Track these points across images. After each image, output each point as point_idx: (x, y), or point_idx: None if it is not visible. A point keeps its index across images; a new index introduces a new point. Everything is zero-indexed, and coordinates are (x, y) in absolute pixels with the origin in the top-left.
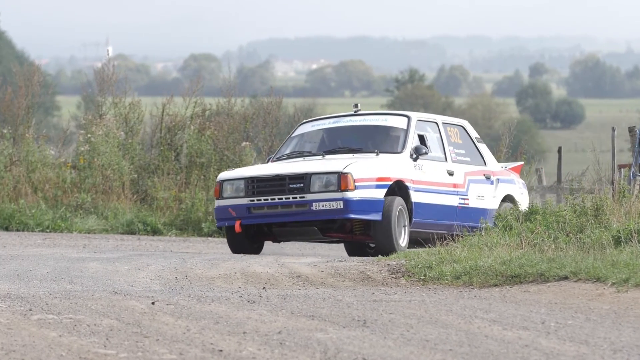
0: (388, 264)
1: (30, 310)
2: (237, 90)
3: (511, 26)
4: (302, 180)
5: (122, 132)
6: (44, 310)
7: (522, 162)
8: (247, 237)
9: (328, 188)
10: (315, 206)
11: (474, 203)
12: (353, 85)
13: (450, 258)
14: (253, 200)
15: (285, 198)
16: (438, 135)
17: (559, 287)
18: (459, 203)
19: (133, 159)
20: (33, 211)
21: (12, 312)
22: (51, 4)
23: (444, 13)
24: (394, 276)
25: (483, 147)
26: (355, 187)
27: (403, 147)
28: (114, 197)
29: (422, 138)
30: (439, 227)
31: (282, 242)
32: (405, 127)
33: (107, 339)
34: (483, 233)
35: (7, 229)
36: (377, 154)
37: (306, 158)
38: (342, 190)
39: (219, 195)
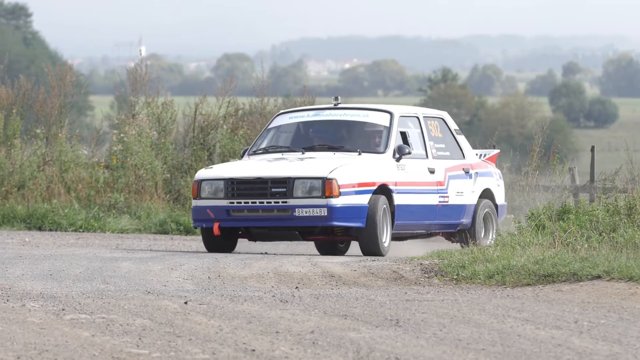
0: (421, 264)
1: (63, 310)
2: (270, 89)
3: (544, 25)
4: (285, 185)
5: (154, 132)
6: (76, 310)
7: (498, 151)
8: (223, 235)
9: (312, 194)
10: (298, 212)
11: (453, 200)
12: (386, 84)
13: (483, 257)
14: (233, 203)
15: (267, 202)
16: (419, 130)
17: (592, 286)
18: (439, 201)
19: (166, 158)
20: (66, 211)
21: (45, 312)
22: (84, 4)
23: (477, 12)
24: (426, 275)
25: (462, 139)
26: (340, 194)
27: (386, 147)
28: (147, 197)
29: (404, 135)
30: (419, 227)
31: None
32: (387, 125)
33: (139, 338)
34: (516, 233)
35: (40, 228)
36: (360, 154)
37: (284, 154)
38: (326, 197)
39: (197, 195)
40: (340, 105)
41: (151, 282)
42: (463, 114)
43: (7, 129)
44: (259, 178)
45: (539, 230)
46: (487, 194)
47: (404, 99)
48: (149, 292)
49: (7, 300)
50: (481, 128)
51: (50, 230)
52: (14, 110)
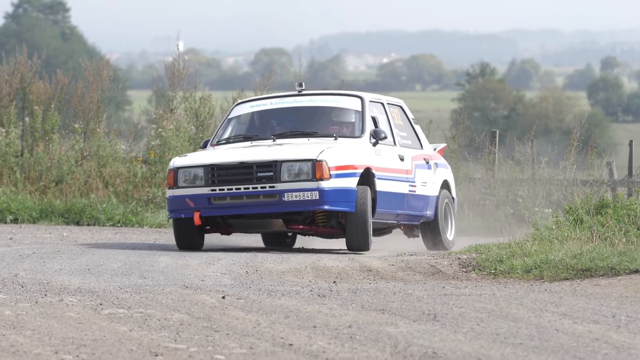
0: (459, 258)
1: (101, 304)
2: (308, 84)
3: (583, 19)
4: (272, 168)
5: (192, 127)
6: (114, 305)
7: (445, 145)
8: (197, 229)
9: (300, 177)
10: (288, 197)
11: (419, 190)
12: (424, 79)
13: (520, 252)
14: (215, 190)
15: (253, 188)
16: (385, 116)
17: (630, 280)
18: (409, 190)
19: None
20: (104, 206)
21: (82, 307)
22: None
23: (515, 6)
24: (464, 270)
25: (419, 129)
26: (330, 176)
27: (362, 131)
28: None
29: (374, 120)
30: (393, 216)
31: (232, 234)
32: (359, 109)
33: (177, 333)
34: (554, 227)
35: (78, 223)
36: (336, 139)
37: (254, 142)
38: (317, 180)
39: (174, 184)
40: (304, 92)
41: (189, 277)
42: (501, 108)
43: (45, 123)
44: (242, 163)
45: (576, 224)
46: (445, 186)
47: (442, 94)
48: (186, 287)
49: (45, 294)
50: (519, 122)
51: (88, 224)
52: (52, 105)
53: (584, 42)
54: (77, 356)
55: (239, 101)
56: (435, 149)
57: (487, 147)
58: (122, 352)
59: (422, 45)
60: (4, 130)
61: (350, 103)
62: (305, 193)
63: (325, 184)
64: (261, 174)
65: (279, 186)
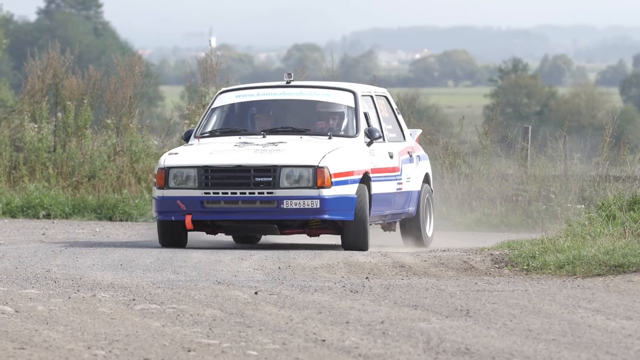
0: (491, 254)
1: (134, 300)
2: (340, 80)
3: (615, 15)
4: (270, 174)
5: None
6: (147, 300)
7: (421, 130)
8: (176, 229)
9: (301, 184)
10: (287, 204)
11: (405, 186)
12: (456, 74)
13: (553, 248)
14: (209, 193)
15: (250, 193)
16: (374, 111)
17: None
18: (396, 189)
19: None
20: (137, 201)
21: (115, 302)
22: None
23: (547, 2)
24: (497, 266)
25: (401, 119)
26: (332, 184)
27: (356, 130)
28: None
29: (366, 117)
30: (381, 217)
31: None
32: (352, 105)
33: (210, 328)
34: (586, 223)
35: (110, 219)
36: (330, 138)
37: (242, 137)
38: (318, 187)
39: (164, 184)
40: (293, 83)
41: (221, 273)
42: (533, 104)
43: (78, 119)
44: (240, 166)
45: (609, 220)
46: (426, 179)
47: (474, 89)
48: (219, 283)
49: (78, 290)
50: (551, 118)
51: (121, 220)
52: (84, 101)
53: (617, 38)
54: (110, 352)
55: (223, 89)
56: (410, 134)
57: (519, 143)
58: (154, 347)
59: (453, 41)
60: (36, 125)
61: (341, 98)
62: (306, 201)
63: (326, 192)
64: (259, 179)
65: (278, 192)
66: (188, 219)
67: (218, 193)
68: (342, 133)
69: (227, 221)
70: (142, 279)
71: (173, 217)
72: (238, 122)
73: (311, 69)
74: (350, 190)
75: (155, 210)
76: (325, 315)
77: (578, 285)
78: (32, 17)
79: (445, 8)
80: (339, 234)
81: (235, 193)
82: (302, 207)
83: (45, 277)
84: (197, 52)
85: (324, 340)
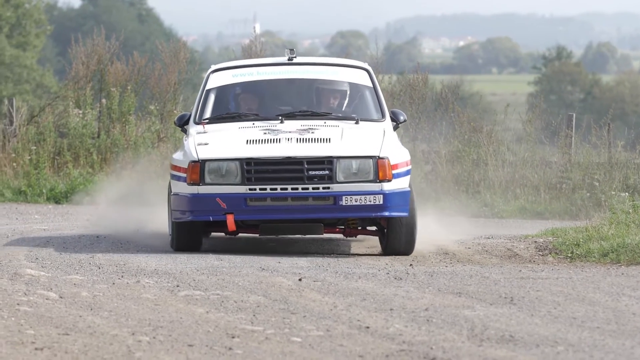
0: (535, 241)
1: (178, 286)
2: (384, 67)
3: None
4: (326, 166)
5: None
6: (191, 287)
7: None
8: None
9: (360, 177)
10: (345, 200)
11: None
12: (500, 62)
13: (597, 236)
14: (254, 190)
15: (303, 188)
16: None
17: None
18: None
19: None
20: None
21: (159, 289)
22: None
23: None
24: (541, 253)
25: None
26: (393, 176)
27: (382, 114)
28: None
29: None
30: None
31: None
32: (369, 84)
33: (254, 315)
34: (630, 211)
35: (153, 205)
36: (357, 122)
37: (256, 122)
38: (380, 181)
39: (199, 180)
40: (296, 60)
41: (265, 259)
42: (577, 92)
43: (122, 105)
44: (289, 158)
45: None
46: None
47: (518, 77)
48: (263, 269)
49: (122, 276)
50: (595, 106)
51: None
52: (128, 87)
53: None
54: (154, 337)
55: (215, 67)
56: None
57: (563, 130)
58: (198, 333)
59: (497, 29)
60: (80, 112)
61: (356, 76)
62: (368, 197)
63: (388, 186)
64: (313, 172)
65: (336, 187)
66: (230, 219)
67: (265, 189)
68: (368, 116)
69: (271, 221)
70: (186, 265)
71: (211, 217)
72: (242, 105)
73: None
74: (406, 183)
75: (186, 210)
76: (369, 302)
77: (622, 273)
78: (76, 3)
79: None
80: (376, 235)
81: (286, 189)
82: (362, 203)
83: (90, 263)
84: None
85: (367, 327)
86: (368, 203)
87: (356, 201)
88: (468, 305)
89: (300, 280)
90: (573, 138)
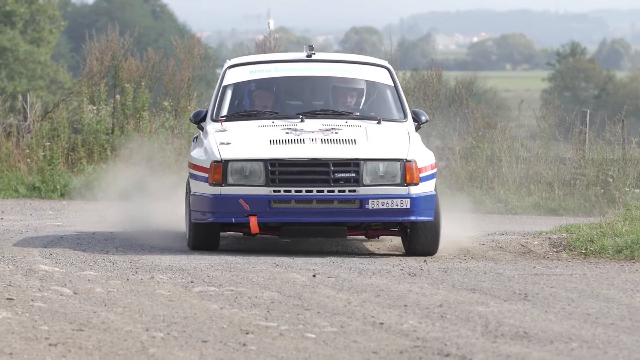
0: (549, 238)
1: (192, 282)
2: (398, 63)
3: None
4: (352, 168)
5: None
6: (205, 283)
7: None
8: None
9: (387, 180)
10: (372, 204)
11: None
12: (514, 58)
13: (611, 232)
14: (278, 191)
15: (328, 191)
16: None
17: None
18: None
19: None
20: None
21: (173, 285)
22: None
23: None
24: (555, 250)
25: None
26: (420, 180)
27: (404, 114)
28: None
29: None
30: None
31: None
32: (390, 83)
33: (268, 311)
34: None
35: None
36: (379, 122)
37: (275, 121)
38: (407, 184)
39: (222, 180)
40: (315, 57)
41: (279, 255)
42: (591, 88)
43: (136, 101)
44: (315, 159)
45: None
46: None
47: (532, 73)
48: (277, 265)
49: (136, 272)
50: (609, 102)
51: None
52: (142, 83)
53: None
54: (168, 333)
55: (232, 63)
56: None
57: (577, 126)
58: (212, 329)
59: (511, 25)
60: (94, 107)
61: (376, 75)
62: (395, 200)
63: (415, 190)
64: (339, 175)
65: (362, 191)
66: (253, 221)
67: (290, 191)
68: (389, 116)
69: (294, 223)
70: (200, 262)
71: (234, 219)
72: (260, 102)
73: (369, 52)
74: (431, 186)
75: (207, 211)
76: (384, 299)
77: (637, 270)
78: None
79: None
80: (399, 236)
81: (311, 191)
82: (389, 207)
83: (104, 259)
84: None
85: (382, 323)
86: (395, 207)
87: (383, 205)
88: (482, 301)
89: (314, 276)
90: (587, 134)
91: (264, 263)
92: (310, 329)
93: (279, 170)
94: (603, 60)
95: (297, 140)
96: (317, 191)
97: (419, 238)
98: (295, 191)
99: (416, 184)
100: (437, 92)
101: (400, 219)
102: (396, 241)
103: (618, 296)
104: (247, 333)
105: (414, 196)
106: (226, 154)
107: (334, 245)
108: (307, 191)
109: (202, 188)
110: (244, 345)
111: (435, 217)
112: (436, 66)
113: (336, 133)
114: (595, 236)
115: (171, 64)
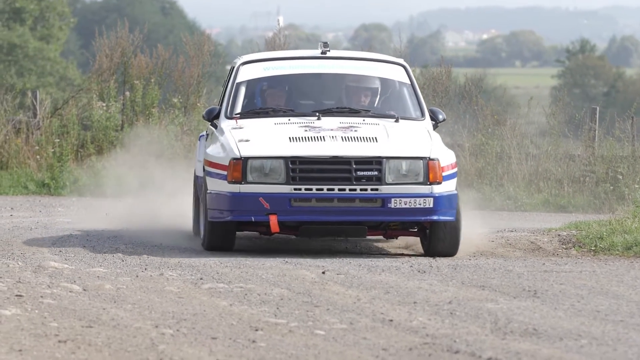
0: (559, 235)
1: (201, 279)
2: (408, 60)
3: None
4: (374, 166)
5: None
6: (214, 279)
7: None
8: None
9: (409, 179)
10: (394, 203)
11: None
12: (524, 55)
13: (621, 229)
14: (299, 190)
15: (350, 190)
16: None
17: None
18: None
19: None
20: None
21: (183, 281)
22: None
23: None
24: (564, 247)
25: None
26: (443, 178)
27: (422, 112)
28: None
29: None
30: None
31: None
32: (407, 81)
33: (277, 308)
34: None
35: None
36: (397, 120)
37: (292, 118)
38: (430, 183)
39: (241, 178)
40: (329, 54)
41: (289, 252)
42: (601, 85)
43: (145, 98)
44: (336, 157)
45: None
46: None
47: (541, 70)
48: (286, 262)
49: (146, 269)
50: (619, 99)
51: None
52: (152, 80)
53: None
54: (177, 330)
55: (245, 60)
56: None
57: (587, 124)
58: (222, 326)
59: (521, 22)
60: (104, 104)
61: (393, 72)
62: (417, 200)
63: (438, 189)
64: (362, 173)
65: (384, 189)
66: (273, 219)
67: (311, 189)
68: (407, 115)
69: (314, 222)
70: (210, 258)
71: (253, 218)
72: (275, 99)
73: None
74: (453, 185)
75: (225, 209)
76: (393, 295)
77: None
78: None
79: None
80: (417, 236)
81: (332, 189)
82: (412, 206)
83: (113, 256)
84: (265, 31)
85: (391, 320)
86: (418, 206)
87: (405, 204)
88: (491, 298)
89: (323, 273)
90: (597, 131)
91: (274, 260)
92: (319, 326)
93: (300, 168)
94: (613, 57)
95: (317, 137)
96: (339, 189)
97: (439, 239)
98: (317, 189)
99: (439, 183)
100: (446, 89)
101: (422, 218)
102: (405, 240)
103: (627, 293)
104: (256, 330)
105: (436, 195)
106: (246, 151)
107: (343, 243)
108: (328, 189)
109: (220, 186)
110: (254, 342)
111: (457, 217)
112: (446, 63)
113: (355, 131)
114: (604, 233)
115: (181, 61)
